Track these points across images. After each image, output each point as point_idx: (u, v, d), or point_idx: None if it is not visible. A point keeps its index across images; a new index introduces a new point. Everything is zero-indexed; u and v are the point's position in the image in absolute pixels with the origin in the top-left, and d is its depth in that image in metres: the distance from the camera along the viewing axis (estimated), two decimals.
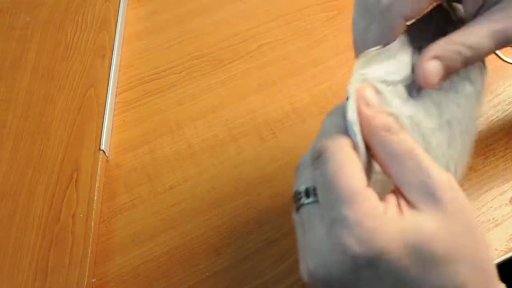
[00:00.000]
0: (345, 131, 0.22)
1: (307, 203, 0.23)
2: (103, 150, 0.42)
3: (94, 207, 0.38)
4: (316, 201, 0.22)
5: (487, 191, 0.39)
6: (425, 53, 0.24)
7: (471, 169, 0.40)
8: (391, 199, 0.21)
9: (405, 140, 0.21)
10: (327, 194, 0.21)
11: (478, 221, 0.38)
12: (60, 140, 0.42)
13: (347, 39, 0.50)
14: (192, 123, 0.45)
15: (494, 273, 0.21)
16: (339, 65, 0.48)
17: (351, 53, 0.29)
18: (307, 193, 0.23)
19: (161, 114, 0.46)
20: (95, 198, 0.39)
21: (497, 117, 0.43)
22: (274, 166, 0.42)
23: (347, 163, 0.21)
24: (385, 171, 0.22)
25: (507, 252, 0.36)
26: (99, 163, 0.41)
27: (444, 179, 0.20)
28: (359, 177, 0.20)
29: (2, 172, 0.40)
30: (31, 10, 0.52)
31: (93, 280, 0.37)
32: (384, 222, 0.19)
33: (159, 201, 0.41)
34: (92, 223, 0.38)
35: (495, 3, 0.24)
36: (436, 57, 0.24)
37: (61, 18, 0.52)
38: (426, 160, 0.20)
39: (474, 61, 0.24)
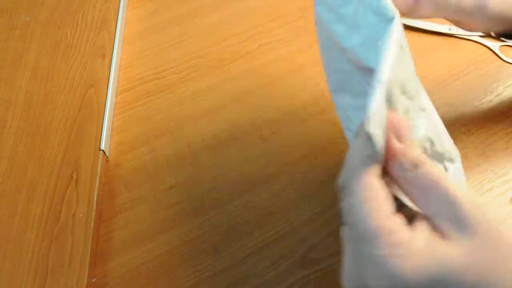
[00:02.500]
0: (370, 158, 0.21)
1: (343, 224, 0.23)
2: (103, 150, 0.42)
3: (94, 207, 0.38)
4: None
5: (487, 191, 0.39)
6: None
7: (472, 169, 0.40)
8: (421, 226, 0.21)
9: (430, 172, 0.21)
10: (353, 229, 0.21)
11: None
12: (60, 140, 0.42)
13: None
14: (192, 123, 0.45)
15: None
16: None
17: None
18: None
19: (161, 114, 0.46)
20: (95, 198, 0.39)
21: (497, 116, 0.43)
22: (274, 166, 0.42)
23: (369, 197, 0.20)
24: (412, 201, 0.22)
25: None
26: (99, 163, 0.41)
27: (474, 206, 0.20)
28: (383, 209, 0.20)
29: (2, 172, 0.40)
30: (31, 10, 0.52)
31: (93, 280, 0.37)
32: (408, 256, 0.19)
33: (159, 201, 0.41)
34: (92, 223, 0.38)
35: None
36: None
37: (61, 18, 0.52)
38: (452, 188, 0.20)
39: None
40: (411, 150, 0.21)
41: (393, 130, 0.22)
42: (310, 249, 0.37)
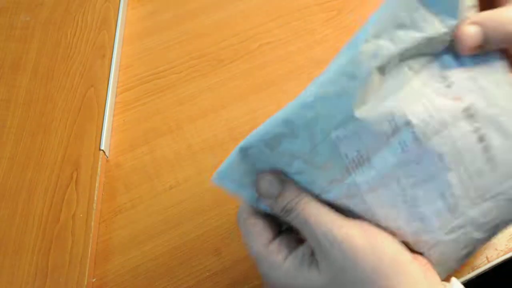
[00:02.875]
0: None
1: None
2: (103, 150, 0.42)
3: (94, 207, 0.38)
4: None
5: None
6: (466, 20, 0.23)
7: None
8: (301, 251, 0.26)
9: (301, 214, 0.25)
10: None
11: None
12: (60, 140, 0.42)
13: (347, 39, 0.50)
14: (192, 123, 0.45)
15: None
16: None
17: None
18: None
19: (161, 114, 0.46)
20: (95, 198, 0.39)
21: None
22: None
23: (250, 231, 0.27)
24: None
25: (507, 252, 0.36)
26: (99, 163, 0.41)
27: (333, 242, 0.23)
28: (261, 238, 0.26)
29: (2, 172, 0.40)
30: (31, 10, 0.52)
31: (93, 280, 0.37)
32: (280, 276, 0.25)
33: (159, 201, 0.41)
34: (92, 223, 0.38)
35: None
36: (476, 23, 0.23)
37: (61, 18, 0.52)
38: (318, 226, 0.24)
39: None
40: (281, 200, 0.26)
41: (260, 192, 0.26)
42: None
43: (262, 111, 0.45)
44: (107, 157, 0.43)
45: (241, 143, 0.25)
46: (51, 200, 0.39)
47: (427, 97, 0.22)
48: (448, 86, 0.23)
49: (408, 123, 0.22)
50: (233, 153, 0.26)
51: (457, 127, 0.22)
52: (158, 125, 0.45)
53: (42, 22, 0.51)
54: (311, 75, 0.48)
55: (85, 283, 0.35)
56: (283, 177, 0.26)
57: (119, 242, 0.39)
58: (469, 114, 0.22)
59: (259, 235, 0.26)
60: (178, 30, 0.52)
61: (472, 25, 0.23)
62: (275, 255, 0.26)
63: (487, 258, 0.36)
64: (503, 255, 0.36)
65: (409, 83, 0.23)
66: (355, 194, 0.24)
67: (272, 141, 0.24)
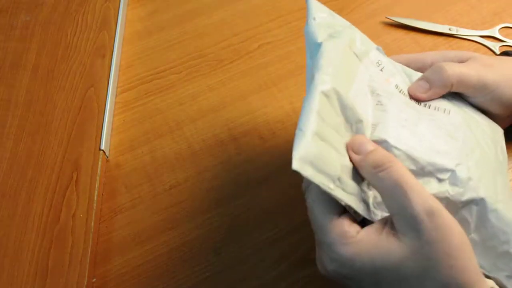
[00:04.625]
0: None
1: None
2: (103, 150, 0.42)
3: (94, 207, 0.38)
4: None
5: None
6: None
7: None
8: (375, 224, 0.25)
9: (392, 173, 0.24)
10: (312, 223, 0.26)
11: None
12: (60, 140, 0.42)
13: None
14: (192, 123, 0.45)
15: None
16: None
17: None
18: None
19: (161, 114, 0.46)
20: (95, 198, 0.39)
21: None
22: (274, 166, 0.42)
23: (321, 199, 0.26)
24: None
25: None
26: (99, 163, 0.41)
27: (427, 210, 0.22)
28: (329, 210, 0.25)
29: (2, 172, 0.40)
30: (31, 10, 0.52)
31: (93, 280, 0.37)
32: (352, 244, 0.24)
33: (159, 201, 0.41)
34: (92, 223, 0.38)
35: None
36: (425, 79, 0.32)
37: (61, 18, 0.52)
38: (410, 190, 0.23)
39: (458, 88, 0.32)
40: (374, 154, 0.25)
41: (350, 148, 0.26)
42: (310, 249, 0.37)
43: (262, 111, 0.45)
44: (107, 157, 0.43)
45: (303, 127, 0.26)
46: (51, 200, 0.39)
47: (374, 81, 0.31)
48: (381, 70, 0.32)
49: (377, 94, 0.31)
50: (301, 136, 0.25)
51: (397, 95, 0.31)
52: (158, 125, 0.45)
53: (42, 22, 0.51)
54: None
55: (85, 283, 0.35)
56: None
57: (119, 242, 0.39)
58: (399, 89, 0.32)
59: (328, 205, 0.25)
60: (178, 30, 0.52)
61: (421, 80, 0.33)
62: (346, 227, 0.24)
63: None
64: None
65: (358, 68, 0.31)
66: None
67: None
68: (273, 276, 0.36)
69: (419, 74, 0.34)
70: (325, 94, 0.26)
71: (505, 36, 0.49)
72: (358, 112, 0.28)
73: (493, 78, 0.32)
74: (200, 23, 0.53)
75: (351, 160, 0.26)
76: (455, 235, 0.22)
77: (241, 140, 0.44)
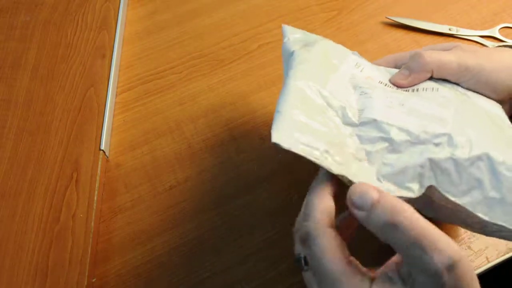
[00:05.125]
0: (326, 208, 0.25)
1: (306, 270, 0.25)
2: (103, 150, 0.42)
3: (94, 207, 0.38)
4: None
5: None
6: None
7: None
8: (383, 273, 0.23)
9: (408, 231, 0.21)
10: (317, 275, 0.23)
11: None
12: (60, 140, 0.42)
13: (347, 39, 0.50)
14: (192, 123, 0.45)
15: None
16: None
17: None
18: (305, 261, 0.25)
19: (161, 114, 0.46)
20: (95, 198, 0.39)
21: None
22: (274, 166, 0.42)
23: (329, 247, 0.23)
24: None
25: (507, 253, 0.36)
26: (99, 163, 0.41)
27: (445, 264, 0.21)
28: (342, 257, 0.22)
29: (2, 172, 0.40)
30: (31, 10, 0.52)
31: (93, 280, 0.37)
32: None
33: (159, 201, 0.41)
34: (92, 223, 0.38)
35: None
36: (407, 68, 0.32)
37: (61, 18, 0.52)
38: (431, 246, 0.21)
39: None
40: (380, 210, 0.22)
41: (350, 200, 0.24)
42: None
43: (262, 111, 0.45)
44: (107, 157, 0.43)
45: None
46: (51, 200, 0.39)
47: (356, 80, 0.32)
48: (361, 71, 0.33)
49: (359, 87, 0.31)
50: (279, 115, 0.26)
51: (381, 88, 0.32)
52: (158, 125, 0.45)
53: (42, 22, 0.51)
54: None
55: (85, 283, 0.35)
56: (378, 188, 0.23)
57: (119, 242, 0.39)
58: (383, 83, 0.33)
59: (338, 250, 0.23)
60: (178, 30, 0.52)
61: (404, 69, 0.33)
62: (360, 276, 0.22)
63: (487, 258, 0.36)
64: (503, 255, 0.36)
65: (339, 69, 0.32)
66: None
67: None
68: (273, 276, 0.36)
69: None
70: (300, 87, 0.28)
71: (505, 36, 0.49)
72: (339, 100, 0.29)
73: (476, 62, 0.32)
74: (200, 23, 0.53)
75: (353, 214, 0.24)
76: (475, 279, 0.21)
77: (241, 140, 0.44)
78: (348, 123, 0.29)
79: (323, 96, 0.29)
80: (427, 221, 0.22)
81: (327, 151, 0.25)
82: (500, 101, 0.34)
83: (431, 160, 0.27)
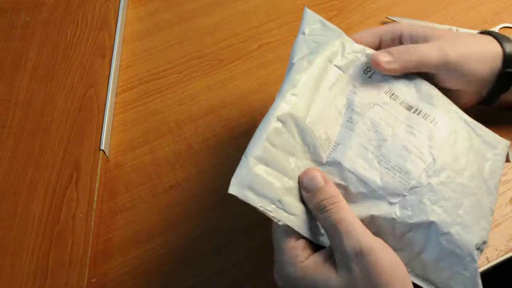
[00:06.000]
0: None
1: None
2: (103, 150, 0.42)
3: (94, 207, 0.38)
4: None
5: None
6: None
7: None
8: (323, 253, 0.28)
9: (333, 214, 0.27)
10: (273, 241, 0.30)
11: None
12: (60, 140, 0.42)
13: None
14: (192, 123, 0.45)
15: None
16: None
17: None
18: None
19: (161, 114, 0.46)
20: (95, 198, 0.39)
21: (496, 117, 0.43)
22: None
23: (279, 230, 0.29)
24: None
25: (507, 252, 0.36)
26: (99, 163, 0.41)
27: (355, 248, 0.26)
28: (289, 232, 0.28)
29: (2, 171, 0.40)
30: (31, 10, 0.52)
31: (93, 280, 0.37)
32: (300, 267, 0.27)
33: (159, 201, 0.41)
34: (92, 223, 0.38)
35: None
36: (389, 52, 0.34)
37: (61, 18, 0.52)
38: (344, 231, 0.27)
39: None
40: (319, 195, 0.28)
41: (301, 181, 0.29)
42: None
43: (262, 111, 0.45)
44: (107, 157, 0.43)
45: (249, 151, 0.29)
46: (51, 200, 0.39)
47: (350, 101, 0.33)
48: (355, 93, 0.33)
49: (351, 110, 0.33)
50: (243, 162, 0.28)
51: (381, 105, 0.33)
52: (158, 125, 0.45)
53: (42, 22, 0.51)
54: None
55: (85, 283, 0.35)
56: (326, 177, 0.29)
57: (119, 242, 0.39)
58: (381, 102, 0.33)
59: (289, 227, 0.28)
60: (178, 30, 0.52)
61: (386, 52, 0.34)
62: (299, 251, 0.28)
63: (487, 258, 0.36)
64: (503, 255, 0.36)
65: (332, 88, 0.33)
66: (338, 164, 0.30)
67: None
68: (273, 277, 0.36)
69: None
70: (281, 120, 0.29)
71: None
72: (316, 135, 0.30)
73: (455, 56, 0.33)
74: (200, 23, 0.53)
75: (302, 193, 0.29)
76: (385, 273, 0.25)
77: (241, 140, 0.44)
78: (316, 160, 0.30)
79: (301, 130, 0.30)
80: (353, 214, 0.28)
81: (280, 201, 0.28)
82: (471, 92, 0.36)
83: (372, 217, 0.29)
